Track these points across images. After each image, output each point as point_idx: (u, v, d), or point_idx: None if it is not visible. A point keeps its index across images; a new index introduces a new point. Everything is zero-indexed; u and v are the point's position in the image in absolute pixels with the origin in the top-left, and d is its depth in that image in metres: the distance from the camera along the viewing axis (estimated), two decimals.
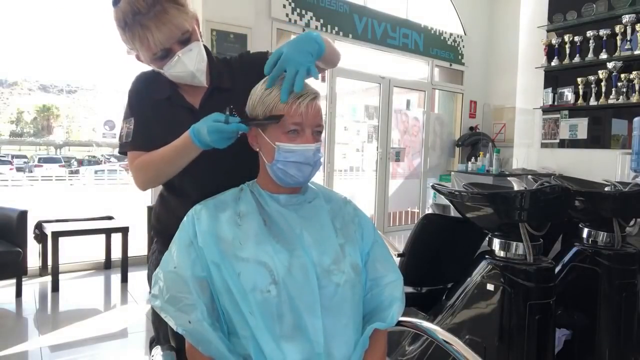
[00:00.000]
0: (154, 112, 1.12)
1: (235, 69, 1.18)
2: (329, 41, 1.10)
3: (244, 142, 1.02)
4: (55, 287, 3.27)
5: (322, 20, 4.28)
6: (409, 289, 1.96)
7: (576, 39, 4.46)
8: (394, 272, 1.05)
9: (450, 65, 5.48)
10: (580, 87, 4.45)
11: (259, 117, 0.97)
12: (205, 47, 1.12)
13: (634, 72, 4.04)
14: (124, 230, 3.55)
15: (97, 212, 4.47)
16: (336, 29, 4.39)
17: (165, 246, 1.00)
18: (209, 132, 0.94)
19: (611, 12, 4.24)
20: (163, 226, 1.19)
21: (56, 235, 3.27)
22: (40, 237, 3.52)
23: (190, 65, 1.05)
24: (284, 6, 4.03)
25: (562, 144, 4.69)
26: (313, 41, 0.97)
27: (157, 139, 1.09)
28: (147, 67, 1.13)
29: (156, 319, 1.17)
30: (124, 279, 3.53)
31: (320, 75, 1.02)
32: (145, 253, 3.64)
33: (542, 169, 4.73)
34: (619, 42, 4.18)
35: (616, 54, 4.20)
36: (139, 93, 1.15)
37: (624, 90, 4.13)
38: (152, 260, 1.21)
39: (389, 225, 5.24)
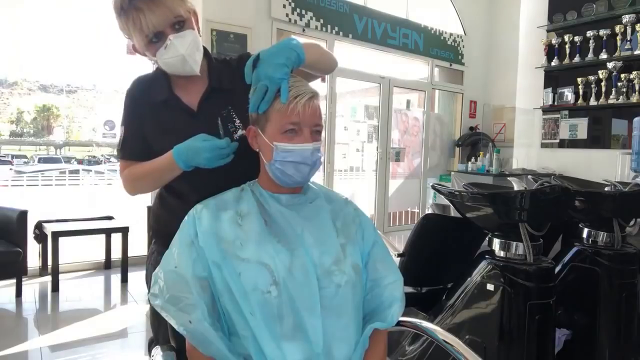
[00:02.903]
0: (150, 116, 1.12)
1: (235, 70, 1.18)
2: (316, 47, 1.10)
3: (244, 143, 1.02)
4: (55, 287, 3.27)
5: (322, 20, 4.28)
6: (409, 289, 1.96)
7: (576, 39, 4.46)
8: (394, 272, 1.05)
9: (450, 65, 5.48)
10: (580, 87, 4.45)
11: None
12: (204, 47, 1.12)
13: (634, 72, 4.04)
14: (124, 230, 3.55)
15: (97, 212, 4.47)
16: (336, 29, 4.39)
17: (164, 247, 1.00)
18: (205, 150, 0.98)
19: (611, 12, 4.25)
20: (162, 227, 1.19)
21: (56, 235, 3.27)
22: (40, 237, 3.52)
23: (181, 48, 1.04)
24: (284, 6, 4.02)
25: (562, 144, 4.70)
26: (290, 50, 0.96)
27: (155, 143, 1.09)
28: (146, 68, 1.13)
29: (155, 320, 1.17)
30: (124, 279, 3.53)
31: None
32: (145, 253, 3.64)
33: (542, 169, 4.73)
34: (619, 42, 4.18)
35: (616, 54, 4.20)
36: (133, 98, 1.14)
37: (624, 90, 4.13)
38: (151, 261, 1.21)
39: (389, 225, 5.24)
